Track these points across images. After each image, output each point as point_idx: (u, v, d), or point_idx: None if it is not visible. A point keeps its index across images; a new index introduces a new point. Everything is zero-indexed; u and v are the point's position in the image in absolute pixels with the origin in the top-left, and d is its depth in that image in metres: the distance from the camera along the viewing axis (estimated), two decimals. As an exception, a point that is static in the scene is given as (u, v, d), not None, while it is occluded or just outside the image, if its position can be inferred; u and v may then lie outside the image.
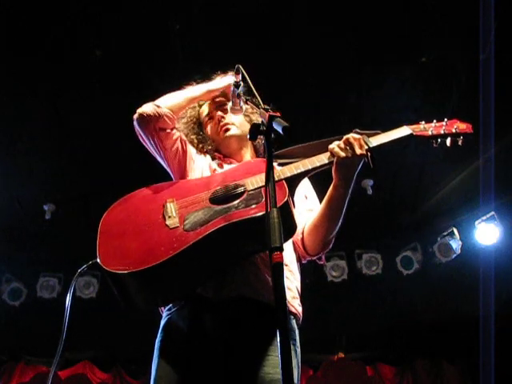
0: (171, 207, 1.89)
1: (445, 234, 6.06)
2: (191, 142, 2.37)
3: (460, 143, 2.06)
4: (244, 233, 1.79)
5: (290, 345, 1.26)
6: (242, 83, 2.01)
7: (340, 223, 2.01)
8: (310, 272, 6.30)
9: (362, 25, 4.30)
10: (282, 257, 1.33)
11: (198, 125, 2.44)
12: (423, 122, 2.09)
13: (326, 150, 1.97)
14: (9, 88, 4.60)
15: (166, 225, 1.83)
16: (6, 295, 6.34)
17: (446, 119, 2.09)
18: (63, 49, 4.35)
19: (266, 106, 1.66)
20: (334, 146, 1.93)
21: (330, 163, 1.94)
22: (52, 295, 6.33)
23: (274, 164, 2.08)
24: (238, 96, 2.03)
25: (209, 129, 2.40)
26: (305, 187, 2.23)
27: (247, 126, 2.22)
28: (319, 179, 2.12)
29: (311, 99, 4.78)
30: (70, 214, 5.87)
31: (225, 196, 1.90)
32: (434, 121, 2.10)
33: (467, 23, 4.16)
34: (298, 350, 1.94)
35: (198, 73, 2.49)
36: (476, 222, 5.79)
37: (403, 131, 2.05)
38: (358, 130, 1.99)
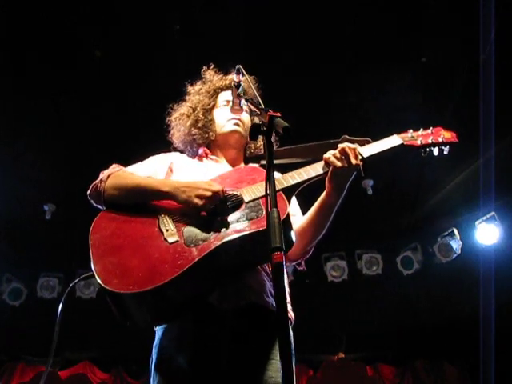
0: (167, 219, 1.83)
1: (445, 234, 6.06)
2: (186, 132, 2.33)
3: (446, 152, 2.12)
4: (248, 246, 1.76)
5: (291, 347, 1.25)
6: (242, 83, 2.01)
7: (324, 233, 2.02)
8: (310, 272, 6.30)
9: (362, 24, 4.30)
10: (282, 257, 1.32)
11: (207, 110, 2.36)
12: (411, 131, 2.14)
13: (321, 154, 1.96)
14: (9, 88, 4.60)
15: (165, 239, 1.76)
16: (6, 295, 6.34)
17: (431, 127, 2.15)
18: (63, 49, 4.35)
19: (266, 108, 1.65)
20: (330, 155, 1.93)
21: (326, 173, 1.95)
22: (52, 295, 6.33)
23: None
24: (239, 96, 2.03)
25: (218, 112, 2.34)
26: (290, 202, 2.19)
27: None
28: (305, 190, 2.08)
29: (311, 99, 4.78)
30: (69, 214, 5.87)
31: (222, 207, 1.85)
32: (421, 129, 2.14)
33: (467, 23, 4.16)
34: (293, 352, 1.91)
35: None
36: (476, 222, 5.80)
37: (394, 141, 2.09)
38: (347, 137, 2.00)
